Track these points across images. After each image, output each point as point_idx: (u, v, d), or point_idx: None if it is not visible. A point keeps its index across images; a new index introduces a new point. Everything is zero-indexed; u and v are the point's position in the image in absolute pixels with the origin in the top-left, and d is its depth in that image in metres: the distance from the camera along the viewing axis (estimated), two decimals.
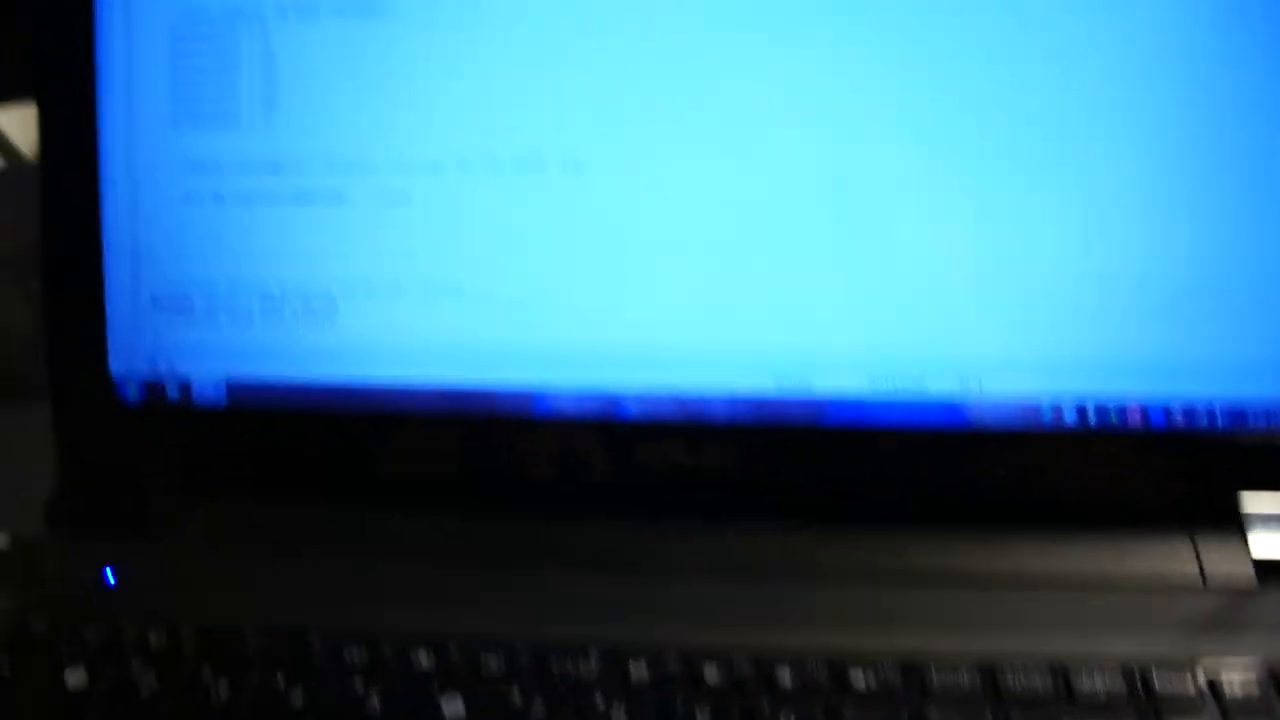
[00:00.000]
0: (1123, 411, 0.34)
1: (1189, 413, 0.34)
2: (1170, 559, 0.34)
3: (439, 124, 0.36)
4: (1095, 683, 0.30)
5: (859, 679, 0.31)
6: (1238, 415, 0.34)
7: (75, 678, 0.32)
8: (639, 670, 0.31)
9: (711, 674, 0.31)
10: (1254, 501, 0.35)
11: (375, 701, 0.31)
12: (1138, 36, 0.33)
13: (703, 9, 0.35)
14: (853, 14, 0.34)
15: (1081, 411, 0.35)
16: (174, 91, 0.36)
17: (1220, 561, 0.34)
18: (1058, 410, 0.35)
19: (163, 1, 0.36)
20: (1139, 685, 0.30)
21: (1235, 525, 0.34)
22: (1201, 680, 0.30)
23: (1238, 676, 0.30)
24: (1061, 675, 0.30)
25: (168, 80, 0.37)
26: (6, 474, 0.41)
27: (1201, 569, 0.34)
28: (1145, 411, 0.34)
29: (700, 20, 0.35)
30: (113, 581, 0.35)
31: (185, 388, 0.38)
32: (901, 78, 0.34)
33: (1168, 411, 0.34)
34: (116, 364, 0.38)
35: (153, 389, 0.38)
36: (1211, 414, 0.34)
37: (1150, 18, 0.33)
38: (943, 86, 0.34)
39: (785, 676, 0.31)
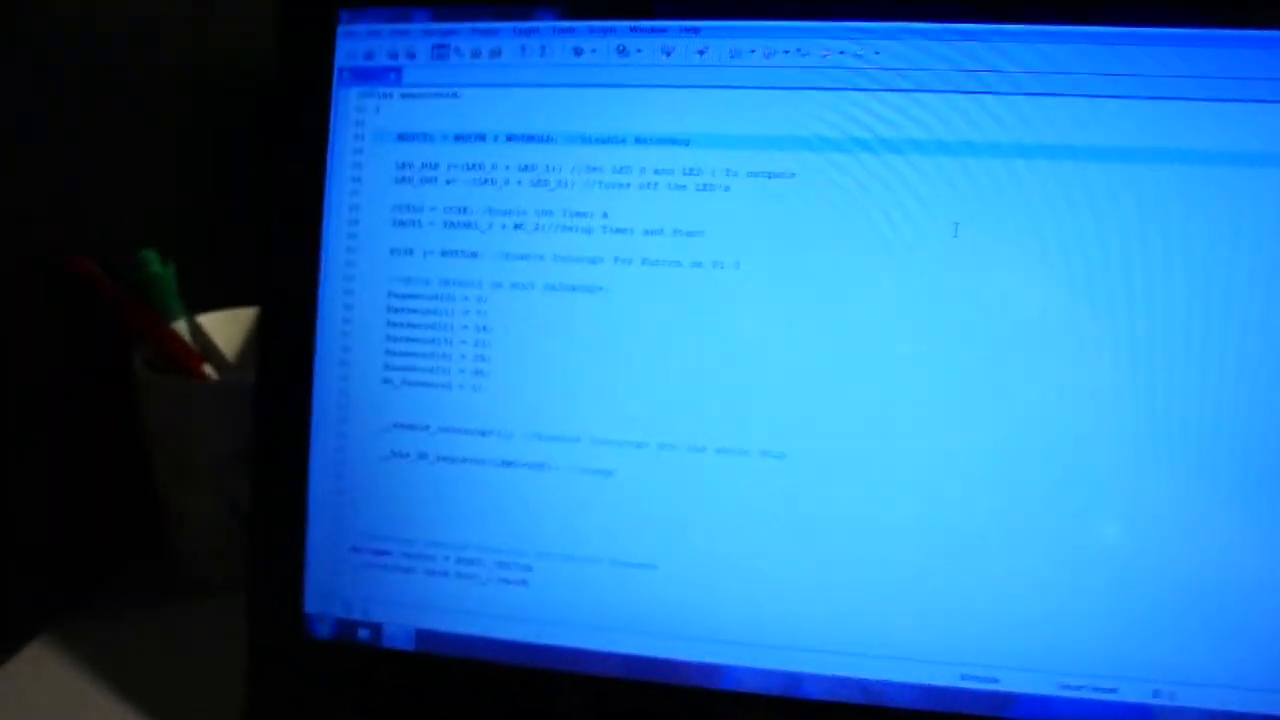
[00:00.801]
0: None
1: None
2: None
3: (644, 404, 0.36)
4: None
5: None
6: None
7: None
8: None
9: None
10: None
11: None
12: None
13: (907, 317, 0.35)
14: (1061, 329, 0.34)
15: None
16: (388, 350, 0.37)
17: None
18: None
19: (383, 264, 0.37)
20: None
21: None
22: None
23: None
24: None
25: (383, 340, 0.38)
26: (190, 673, 0.42)
27: None
28: None
29: (903, 324, 0.35)
30: None
31: (376, 632, 0.38)
32: (1115, 386, 0.34)
33: None
34: (312, 602, 0.39)
35: (344, 628, 0.39)
36: None
37: None
38: (1167, 393, 0.34)
39: None
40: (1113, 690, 0.35)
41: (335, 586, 0.39)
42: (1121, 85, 0.34)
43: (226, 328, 0.50)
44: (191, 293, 0.49)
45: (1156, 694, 0.35)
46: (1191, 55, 0.33)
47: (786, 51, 0.36)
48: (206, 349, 0.48)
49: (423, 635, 0.38)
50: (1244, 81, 0.33)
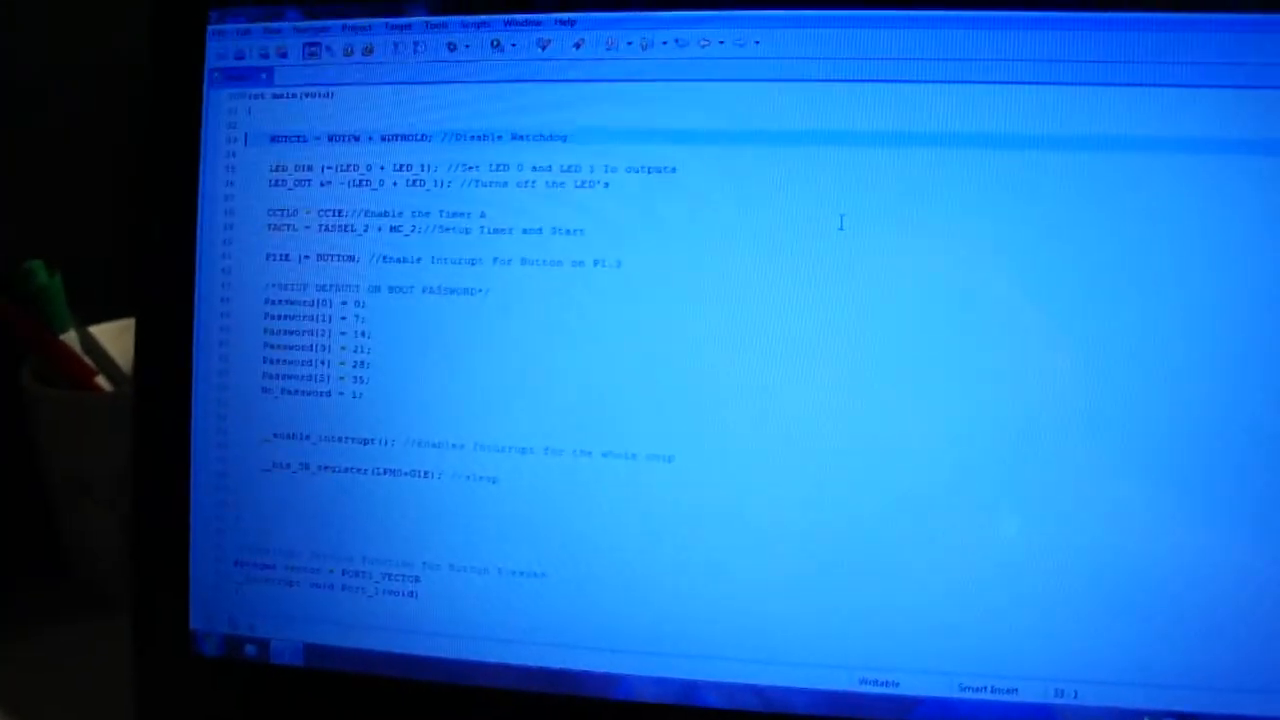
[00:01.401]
0: None
1: None
2: None
3: (527, 408, 0.35)
4: None
5: None
6: None
7: None
8: None
9: None
10: None
11: None
12: None
13: (794, 315, 0.34)
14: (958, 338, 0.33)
15: None
16: (266, 359, 0.36)
17: None
18: None
19: (259, 270, 0.36)
20: None
21: None
22: None
23: None
24: None
25: (260, 347, 0.37)
26: (82, 692, 0.41)
27: None
28: None
29: (789, 322, 0.34)
30: None
31: (264, 647, 0.37)
32: (1011, 380, 0.34)
33: None
34: (197, 619, 0.38)
35: (231, 645, 0.38)
36: None
37: None
38: (1068, 387, 0.33)
39: None
40: (1013, 690, 0.34)
41: (220, 602, 0.38)
42: (977, 70, 0.33)
43: (122, 339, 0.49)
44: (87, 303, 0.48)
45: (1059, 693, 0.34)
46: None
47: (664, 43, 0.35)
48: (100, 360, 0.47)
49: (311, 650, 0.37)
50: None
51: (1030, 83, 0.33)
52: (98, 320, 0.50)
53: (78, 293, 0.48)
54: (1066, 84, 0.33)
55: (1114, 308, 0.33)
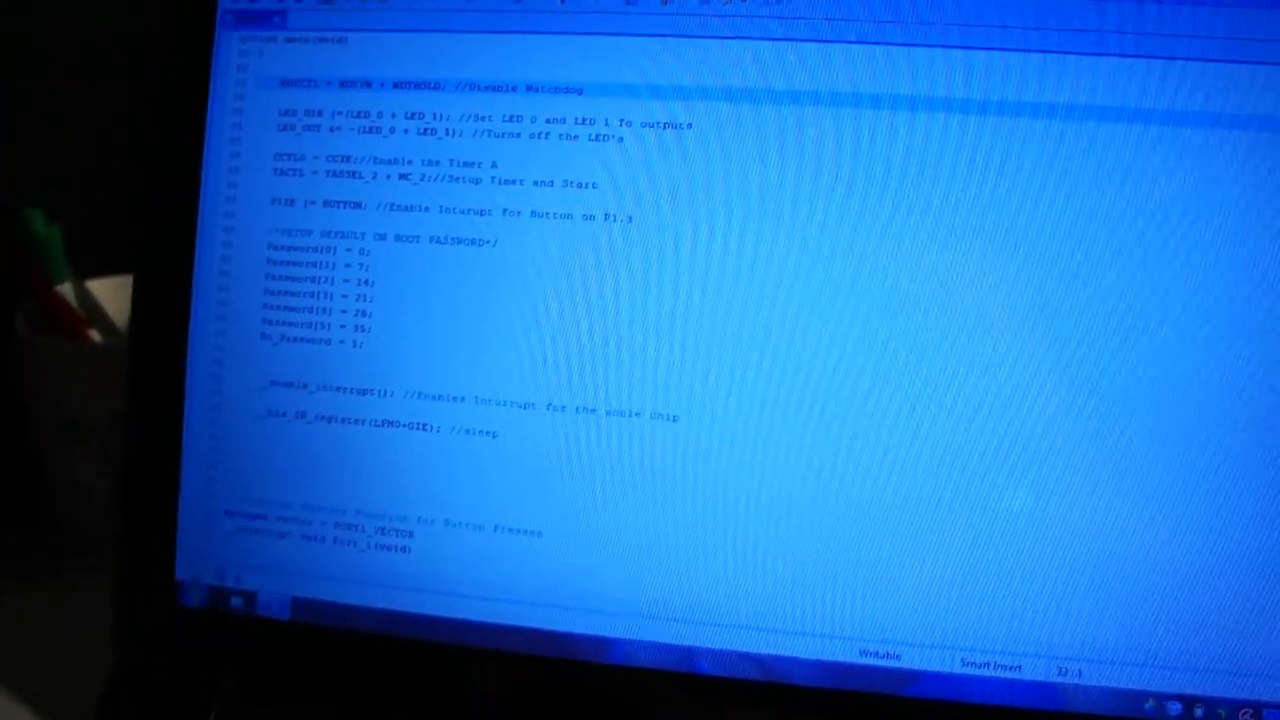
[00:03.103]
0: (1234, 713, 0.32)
1: None
2: None
3: (531, 362, 0.35)
4: None
5: None
6: None
7: None
8: None
9: None
10: None
11: None
12: None
13: (806, 277, 0.34)
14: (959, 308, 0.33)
15: (1188, 705, 0.33)
16: (267, 305, 0.36)
17: None
18: (1160, 704, 0.33)
19: (263, 214, 0.36)
20: None
21: None
22: None
23: None
24: None
25: (261, 294, 0.36)
26: (68, 643, 0.41)
27: None
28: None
29: (801, 284, 0.34)
30: None
31: (250, 600, 0.37)
32: (1022, 355, 0.33)
33: None
34: (183, 569, 0.37)
35: (217, 597, 0.37)
36: None
37: None
38: (1075, 362, 0.33)
39: None
40: (1017, 668, 0.34)
41: (208, 552, 0.37)
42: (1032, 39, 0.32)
43: (117, 294, 0.48)
44: (85, 257, 0.47)
45: (1063, 671, 0.34)
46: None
47: None
48: (93, 314, 0.46)
49: (299, 603, 0.37)
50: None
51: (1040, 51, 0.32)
52: (96, 274, 0.49)
53: (76, 247, 0.47)
54: (1085, 54, 0.32)
55: (1125, 283, 0.32)
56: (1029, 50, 0.32)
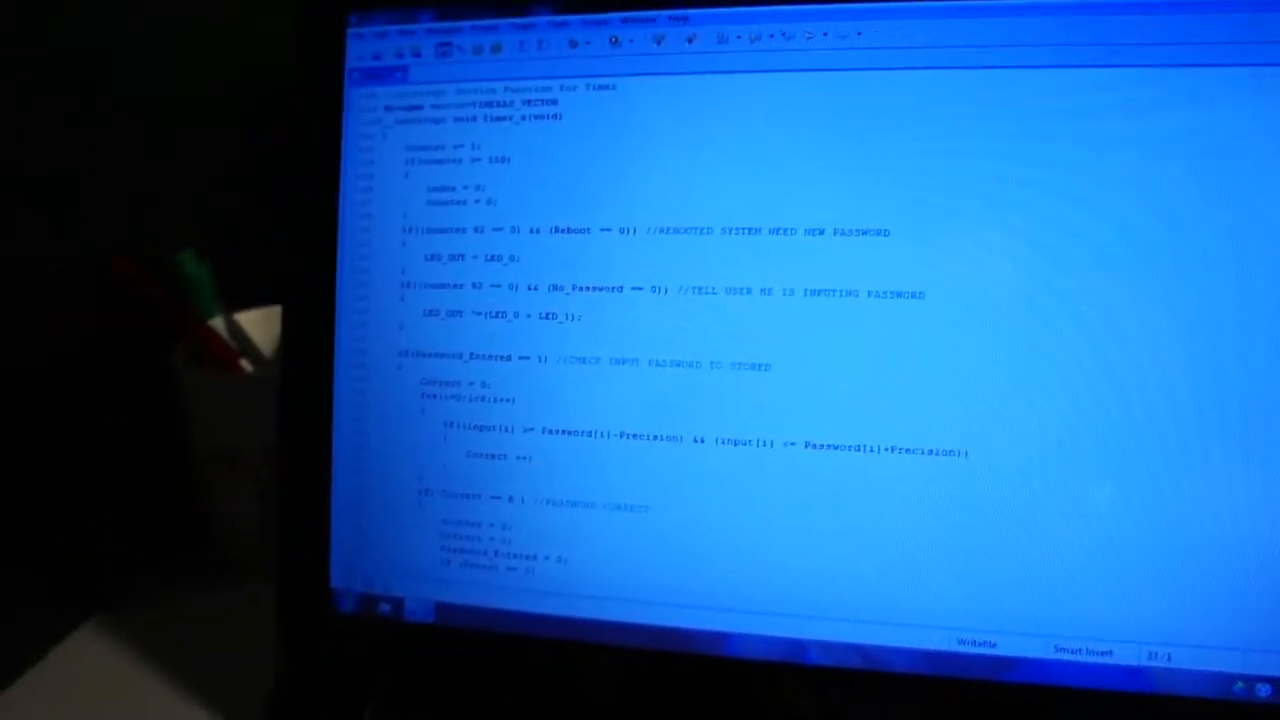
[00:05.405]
0: None
1: None
2: None
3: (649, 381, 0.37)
4: None
5: None
6: None
7: None
8: None
9: None
10: None
11: None
12: None
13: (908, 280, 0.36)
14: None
15: (1277, 687, 0.34)
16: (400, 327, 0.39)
17: None
18: (1250, 686, 0.34)
19: (397, 226, 0.39)
20: None
21: None
22: None
23: None
24: None
25: (396, 319, 0.39)
26: (228, 651, 0.45)
27: None
28: None
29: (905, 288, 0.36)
30: None
31: (397, 606, 0.40)
32: (1111, 345, 0.35)
33: None
34: (338, 578, 0.41)
35: (367, 603, 0.41)
36: None
37: None
38: (1165, 353, 0.35)
39: None
40: (1108, 653, 0.35)
41: (359, 563, 0.40)
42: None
43: (264, 325, 0.52)
44: (233, 291, 0.51)
45: (1153, 656, 0.35)
46: None
47: (771, 36, 0.37)
48: (243, 345, 0.50)
49: (441, 608, 0.40)
50: None
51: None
52: (243, 307, 0.53)
53: (225, 282, 0.51)
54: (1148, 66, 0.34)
55: (1214, 275, 0.34)
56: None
